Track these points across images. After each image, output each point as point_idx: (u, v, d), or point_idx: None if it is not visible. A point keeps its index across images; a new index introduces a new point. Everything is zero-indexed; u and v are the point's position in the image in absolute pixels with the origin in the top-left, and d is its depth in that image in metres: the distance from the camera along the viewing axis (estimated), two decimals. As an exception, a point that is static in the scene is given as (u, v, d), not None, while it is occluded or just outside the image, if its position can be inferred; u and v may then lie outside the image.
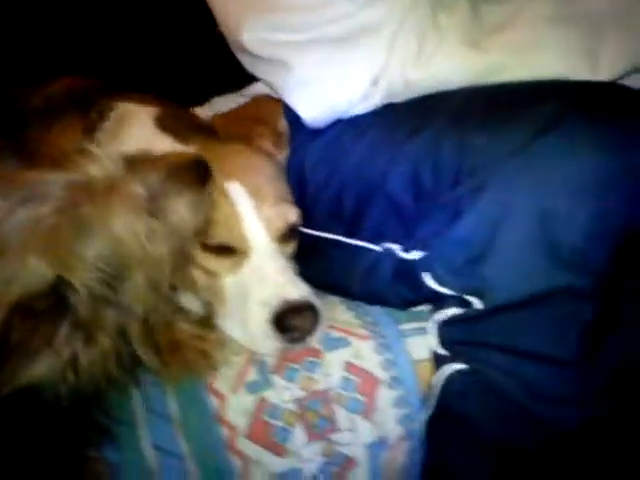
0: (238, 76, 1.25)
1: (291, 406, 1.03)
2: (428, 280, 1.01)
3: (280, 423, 1.02)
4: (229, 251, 1.07)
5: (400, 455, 1.08)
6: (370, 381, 1.06)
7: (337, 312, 1.14)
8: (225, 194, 1.07)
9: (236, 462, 1.01)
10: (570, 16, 1.04)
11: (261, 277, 1.05)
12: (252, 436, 1.02)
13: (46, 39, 1.47)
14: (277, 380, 1.04)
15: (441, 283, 1.00)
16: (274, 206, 1.09)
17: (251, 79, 1.26)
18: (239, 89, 1.36)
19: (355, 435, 1.05)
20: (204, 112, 1.35)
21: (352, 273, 1.13)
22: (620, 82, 1.04)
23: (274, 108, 1.22)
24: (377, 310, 1.14)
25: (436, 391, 1.04)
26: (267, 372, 1.05)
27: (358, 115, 1.13)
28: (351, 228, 1.13)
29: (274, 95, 1.21)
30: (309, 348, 1.07)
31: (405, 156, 1.05)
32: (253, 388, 1.04)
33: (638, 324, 0.97)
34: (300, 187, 1.18)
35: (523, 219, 0.92)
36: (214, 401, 1.03)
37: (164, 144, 1.16)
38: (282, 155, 1.21)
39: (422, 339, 1.08)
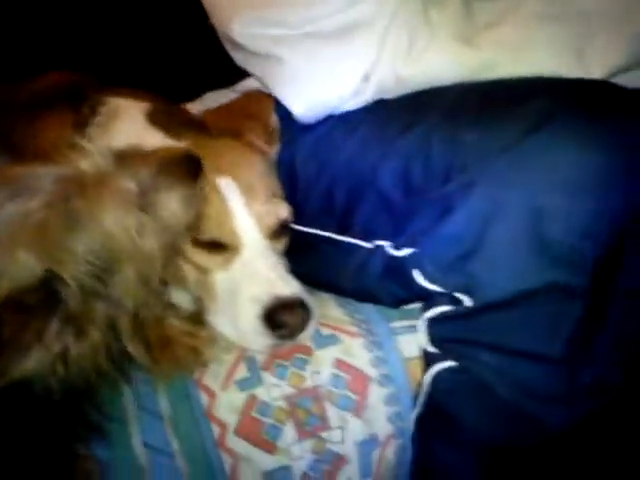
0: (230, 71, 1.25)
1: (281, 403, 1.03)
2: (418, 277, 1.01)
3: (270, 420, 1.02)
4: (220, 247, 1.07)
5: (390, 453, 1.07)
6: (360, 379, 1.06)
7: (328, 309, 1.13)
8: (216, 190, 1.07)
9: (226, 459, 1.01)
10: (561, 14, 1.04)
11: (252, 273, 1.05)
12: (242, 433, 1.01)
13: (37, 34, 1.46)
14: (267, 377, 1.04)
15: (431, 280, 1.00)
16: (265, 202, 1.09)
17: (243, 74, 1.26)
18: (231, 84, 1.36)
19: (345, 433, 1.04)
20: (195, 107, 1.35)
21: (343, 270, 1.13)
22: (613, 80, 1.05)
23: (265, 103, 1.22)
24: (368, 307, 1.13)
25: (425, 389, 1.03)
26: (257, 369, 1.05)
27: (349, 111, 1.13)
28: (342, 223, 1.13)
29: (266, 90, 1.20)
30: (299, 345, 1.06)
31: (396, 151, 1.05)
32: (243, 385, 1.03)
33: (628, 321, 0.96)
34: (291, 183, 1.18)
35: (513, 216, 0.92)
36: (204, 398, 1.02)
37: (155, 139, 1.15)
38: (273, 151, 1.21)
39: (413, 337, 1.07)
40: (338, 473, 1.04)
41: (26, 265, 0.80)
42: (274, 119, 1.22)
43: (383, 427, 1.06)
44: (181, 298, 1.11)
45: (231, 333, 1.06)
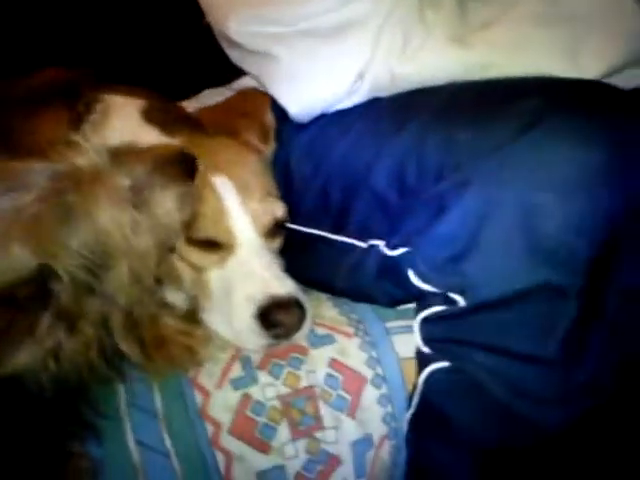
0: (226, 70, 1.25)
1: (276, 403, 1.02)
2: (412, 277, 1.01)
3: (264, 420, 1.02)
4: (215, 246, 1.07)
5: (385, 454, 1.07)
6: (355, 379, 1.06)
7: (323, 309, 1.13)
8: (212, 188, 1.07)
9: (220, 458, 1.00)
10: (555, 15, 1.04)
11: (247, 272, 1.05)
12: (236, 432, 1.01)
13: (35, 31, 1.46)
14: (262, 376, 1.04)
15: (424, 280, 0.99)
16: (261, 201, 1.09)
17: (239, 73, 1.26)
18: (227, 83, 1.36)
19: (340, 433, 1.04)
20: (192, 105, 1.35)
21: (338, 269, 1.13)
22: (608, 80, 1.05)
23: (261, 102, 1.22)
24: (363, 307, 1.13)
25: (419, 389, 1.03)
26: (252, 368, 1.04)
27: (344, 109, 1.13)
28: (337, 223, 1.13)
29: (262, 89, 1.20)
30: (294, 344, 1.06)
31: (391, 150, 1.05)
32: (238, 384, 1.03)
33: (623, 321, 0.96)
34: (286, 182, 1.18)
35: (507, 215, 0.92)
36: (199, 397, 1.02)
37: (150, 137, 1.15)
38: (268, 149, 1.21)
39: (409, 337, 1.07)
40: (332, 473, 1.04)
41: (19, 259, 0.80)
42: (270, 118, 1.22)
43: (377, 427, 1.06)
44: (176, 297, 1.11)
45: (226, 332, 1.06)
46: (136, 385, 1.01)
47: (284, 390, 1.03)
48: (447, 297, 0.99)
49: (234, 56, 1.19)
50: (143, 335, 0.93)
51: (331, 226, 1.14)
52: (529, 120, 0.92)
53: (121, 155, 0.94)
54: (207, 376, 1.03)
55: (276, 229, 1.11)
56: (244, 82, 1.31)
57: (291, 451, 1.02)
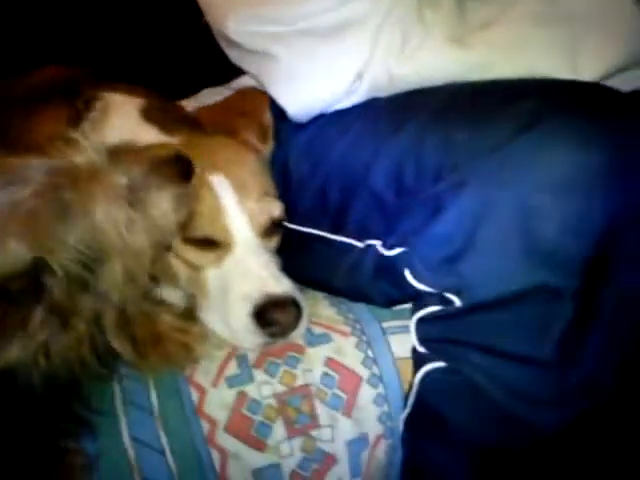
0: (225, 69, 1.25)
1: (271, 401, 1.03)
2: (409, 277, 1.01)
3: (260, 418, 1.02)
4: (212, 244, 1.07)
5: (381, 453, 1.07)
6: (351, 378, 1.06)
7: (320, 308, 1.13)
8: (209, 187, 1.07)
9: (215, 456, 1.00)
10: (554, 15, 1.04)
11: (244, 271, 1.05)
12: (232, 430, 1.01)
13: (35, 30, 1.47)
14: (258, 375, 1.04)
15: (420, 280, 0.99)
16: (258, 200, 1.09)
17: (239, 72, 1.26)
18: (226, 82, 1.36)
19: (335, 432, 1.04)
20: (191, 104, 1.35)
21: (336, 269, 1.13)
22: (609, 82, 1.05)
23: (260, 101, 1.22)
24: (360, 307, 1.13)
25: (415, 389, 1.03)
26: (248, 366, 1.04)
27: (343, 109, 1.13)
28: (336, 222, 1.13)
29: (260, 88, 1.20)
30: (291, 343, 1.06)
31: (389, 150, 1.05)
32: (234, 382, 1.03)
33: (620, 321, 0.96)
34: (284, 181, 1.18)
35: (504, 215, 0.91)
36: (194, 394, 1.02)
37: (149, 135, 1.16)
38: (267, 149, 1.21)
39: (405, 337, 1.07)
40: (328, 472, 1.04)
41: (15, 253, 0.80)
42: (268, 117, 1.22)
43: (373, 427, 1.06)
44: (174, 295, 1.11)
45: (222, 331, 1.06)
46: (132, 382, 1.01)
47: (280, 388, 1.03)
48: (443, 297, 0.99)
49: (233, 55, 1.19)
50: (136, 333, 0.93)
51: (329, 226, 1.14)
52: (527, 121, 0.91)
53: (119, 154, 0.95)
54: (203, 374, 1.03)
55: (273, 228, 1.11)
56: (243, 81, 1.31)
57: (286, 449, 1.02)
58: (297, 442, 1.02)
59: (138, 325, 0.97)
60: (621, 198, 0.90)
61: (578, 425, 0.99)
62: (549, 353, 0.94)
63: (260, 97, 1.22)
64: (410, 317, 1.05)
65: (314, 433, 1.03)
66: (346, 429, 1.05)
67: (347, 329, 1.09)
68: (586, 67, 1.03)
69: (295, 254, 1.14)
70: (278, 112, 1.19)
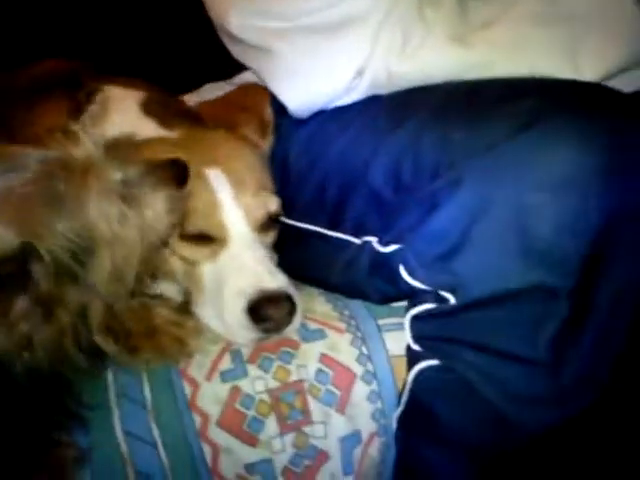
0: (228, 64, 1.25)
1: (264, 396, 1.03)
2: (403, 274, 1.01)
3: (253, 413, 1.02)
4: (208, 239, 1.07)
5: (374, 451, 1.07)
6: (345, 374, 1.06)
7: (316, 304, 1.13)
8: (206, 182, 1.07)
9: (207, 450, 1.00)
10: (556, 15, 1.04)
11: (238, 266, 1.05)
12: (224, 425, 1.01)
13: (37, 23, 1.47)
14: (252, 369, 1.04)
15: (415, 277, 0.99)
16: (255, 195, 1.09)
17: (241, 67, 1.26)
18: (229, 77, 1.36)
19: (328, 428, 1.04)
20: (192, 99, 1.35)
21: (332, 265, 1.13)
22: (611, 82, 1.04)
23: (261, 97, 1.22)
24: (356, 304, 1.13)
25: (408, 387, 1.03)
26: (242, 361, 1.04)
27: (343, 106, 1.13)
28: (333, 219, 1.13)
29: (262, 84, 1.20)
30: (285, 339, 1.06)
31: (388, 148, 1.05)
32: (227, 377, 1.03)
33: (614, 318, 0.95)
34: (283, 177, 1.18)
35: (499, 213, 0.91)
36: (188, 388, 1.02)
37: (148, 129, 1.16)
38: (266, 144, 1.22)
39: (400, 334, 1.06)
40: (320, 468, 1.04)
41: (3, 238, 0.80)
42: (269, 113, 1.22)
43: (366, 424, 1.06)
44: (170, 289, 1.11)
45: (217, 326, 1.06)
46: (126, 375, 1.01)
47: (273, 384, 1.03)
48: (438, 295, 0.98)
49: (234, 51, 1.19)
50: (129, 327, 0.93)
51: (326, 222, 1.14)
52: (526, 120, 0.91)
53: (116, 149, 0.95)
54: (197, 368, 1.03)
55: (270, 223, 1.11)
56: (245, 77, 1.31)
57: (278, 445, 1.02)
58: (289, 438, 1.02)
59: (133, 318, 0.98)
60: (618, 198, 0.89)
61: (575, 425, 0.98)
62: (543, 352, 0.94)
63: (261, 93, 1.22)
64: (405, 315, 1.05)
65: (307, 429, 1.03)
66: (339, 426, 1.05)
67: (342, 325, 1.09)
68: (587, 67, 1.03)
69: (292, 250, 1.14)
70: (279, 107, 1.19)
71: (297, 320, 1.05)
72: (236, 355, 1.05)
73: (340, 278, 1.13)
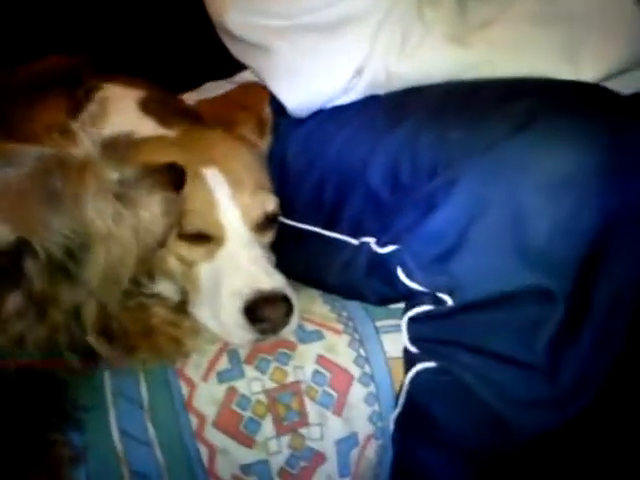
0: (228, 63, 1.24)
1: (261, 397, 1.02)
2: (400, 275, 1.00)
3: (249, 414, 1.02)
4: (205, 239, 1.07)
5: (371, 453, 1.07)
6: (342, 376, 1.05)
7: (315, 305, 1.13)
8: (203, 181, 1.06)
9: (203, 451, 1.00)
10: (555, 15, 1.03)
11: (235, 266, 1.04)
12: (221, 426, 1.01)
13: (37, 20, 1.47)
14: (248, 370, 1.03)
15: (412, 278, 0.99)
16: (252, 194, 1.08)
17: (241, 66, 1.26)
18: (229, 76, 1.35)
19: (325, 430, 1.04)
20: (192, 98, 1.35)
21: (330, 266, 1.13)
22: (611, 82, 1.04)
23: (261, 96, 1.22)
24: (354, 305, 1.13)
25: (405, 389, 1.03)
26: (239, 362, 1.04)
27: (341, 105, 1.13)
28: (331, 219, 1.13)
29: (262, 83, 1.20)
30: (282, 340, 1.06)
31: (386, 147, 1.04)
32: (224, 377, 1.03)
33: (611, 319, 0.95)
34: (281, 177, 1.18)
35: (496, 214, 0.90)
36: (184, 388, 1.02)
37: (147, 128, 1.15)
38: (264, 144, 1.21)
39: (398, 336, 1.06)
40: (316, 470, 1.04)
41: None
42: (268, 112, 1.22)
43: (363, 426, 1.06)
44: (168, 288, 1.10)
45: (214, 326, 1.05)
46: (123, 374, 1.01)
47: (270, 385, 1.03)
48: (436, 297, 0.98)
49: (234, 49, 1.19)
50: (116, 328, 0.92)
51: (324, 222, 1.14)
52: (524, 120, 0.90)
53: (114, 149, 0.95)
54: (194, 368, 1.03)
55: (267, 223, 1.11)
56: (245, 76, 1.30)
57: (275, 446, 1.02)
58: (286, 439, 1.02)
59: (129, 318, 0.97)
60: (618, 198, 0.89)
61: (573, 425, 0.98)
62: (540, 354, 0.94)
63: (261, 92, 1.22)
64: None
65: (303, 431, 1.03)
66: (336, 428, 1.04)
67: (340, 327, 1.09)
68: (586, 67, 1.02)
69: (290, 250, 1.14)
70: (277, 107, 1.18)
71: (294, 321, 1.05)
72: (233, 356, 1.04)
73: (338, 279, 1.13)
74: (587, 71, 1.01)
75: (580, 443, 1.04)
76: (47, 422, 0.91)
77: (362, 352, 1.07)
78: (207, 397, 1.02)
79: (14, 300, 0.81)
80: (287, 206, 1.15)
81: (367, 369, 1.07)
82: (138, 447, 0.99)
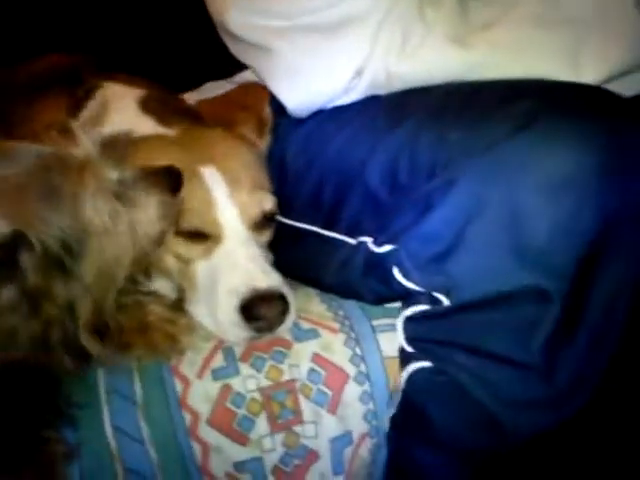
0: (229, 63, 1.25)
1: (256, 395, 1.02)
2: (397, 275, 1.00)
3: (244, 412, 1.02)
4: (202, 237, 1.07)
5: (365, 452, 1.07)
6: (338, 374, 1.05)
7: (311, 304, 1.13)
8: (201, 179, 1.06)
9: (197, 449, 1.00)
10: (557, 17, 1.03)
11: (232, 264, 1.04)
12: (215, 423, 1.01)
13: (38, 19, 1.47)
14: (243, 368, 1.03)
15: (408, 278, 0.99)
16: (250, 193, 1.08)
17: (242, 66, 1.26)
18: (229, 76, 1.36)
19: (319, 428, 1.04)
20: (192, 97, 1.35)
21: (328, 265, 1.13)
22: (612, 84, 1.04)
23: (261, 96, 1.22)
24: (350, 304, 1.13)
25: (401, 388, 1.03)
26: (234, 359, 1.04)
27: (341, 106, 1.13)
28: (329, 218, 1.13)
29: (262, 83, 1.20)
30: (278, 338, 1.06)
31: (385, 147, 1.04)
32: (218, 375, 1.03)
33: (607, 320, 0.95)
34: (281, 176, 1.18)
35: (494, 214, 0.90)
36: (179, 385, 1.02)
37: (146, 126, 1.16)
38: (264, 143, 1.21)
39: (394, 335, 1.06)
40: (310, 468, 1.04)
41: None
42: (268, 112, 1.22)
43: (358, 425, 1.06)
44: (164, 286, 1.11)
45: (210, 323, 1.05)
46: (117, 371, 1.01)
47: (265, 383, 1.03)
48: (432, 297, 0.98)
49: (234, 49, 1.19)
50: (111, 325, 0.92)
51: (322, 221, 1.14)
52: (523, 121, 0.90)
53: (114, 148, 0.96)
54: (188, 365, 1.03)
55: (265, 222, 1.11)
56: (246, 75, 1.30)
57: (269, 444, 1.02)
58: (280, 437, 1.02)
59: (125, 314, 0.98)
60: (617, 198, 0.89)
61: (569, 425, 0.98)
62: (536, 355, 0.94)
63: (261, 92, 1.22)
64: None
65: (297, 429, 1.03)
66: (330, 426, 1.04)
67: (336, 326, 1.09)
68: (588, 69, 1.02)
69: (288, 249, 1.14)
70: (277, 107, 1.18)
71: (290, 319, 1.05)
72: (228, 353, 1.04)
73: (335, 278, 1.13)
74: (588, 73, 1.01)
75: (576, 443, 1.03)
76: (41, 419, 0.91)
77: (358, 351, 1.07)
78: (201, 394, 1.02)
79: (7, 293, 0.81)
80: (286, 206, 1.15)
81: (363, 368, 1.07)
82: (132, 444, 0.99)
